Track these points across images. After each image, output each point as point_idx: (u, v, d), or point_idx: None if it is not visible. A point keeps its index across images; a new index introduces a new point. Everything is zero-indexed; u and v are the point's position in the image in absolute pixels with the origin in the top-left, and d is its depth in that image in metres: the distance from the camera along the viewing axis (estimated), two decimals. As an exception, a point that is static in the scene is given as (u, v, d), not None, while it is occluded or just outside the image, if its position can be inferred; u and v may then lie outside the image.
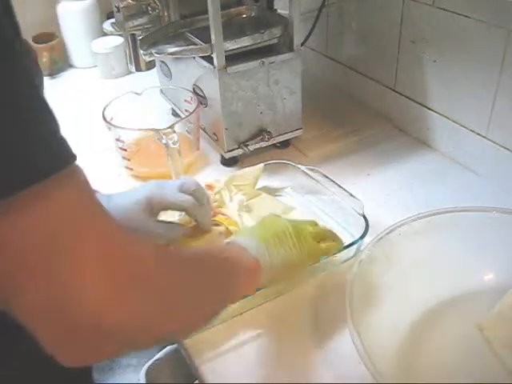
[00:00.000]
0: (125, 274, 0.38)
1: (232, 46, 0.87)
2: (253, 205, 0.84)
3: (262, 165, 0.88)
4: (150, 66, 1.20)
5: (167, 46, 0.92)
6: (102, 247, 0.37)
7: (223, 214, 0.80)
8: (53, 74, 1.40)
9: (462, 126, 0.93)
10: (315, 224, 0.71)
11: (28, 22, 1.39)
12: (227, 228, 0.77)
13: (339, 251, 0.72)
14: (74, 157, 0.36)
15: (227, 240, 0.63)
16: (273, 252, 0.62)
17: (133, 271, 0.39)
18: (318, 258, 0.69)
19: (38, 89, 0.36)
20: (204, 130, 1.02)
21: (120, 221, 0.66)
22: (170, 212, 0.76)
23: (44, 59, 1.36)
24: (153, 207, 0.72)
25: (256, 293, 0.67)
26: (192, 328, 0.52)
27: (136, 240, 0.41)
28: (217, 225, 0.78)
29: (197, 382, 0.70)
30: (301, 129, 1.00)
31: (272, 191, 0.90)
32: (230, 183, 0.85)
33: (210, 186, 0.84)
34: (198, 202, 0.73)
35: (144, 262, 0.41)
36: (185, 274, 0.47)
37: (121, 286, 0.38)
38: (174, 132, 0.88)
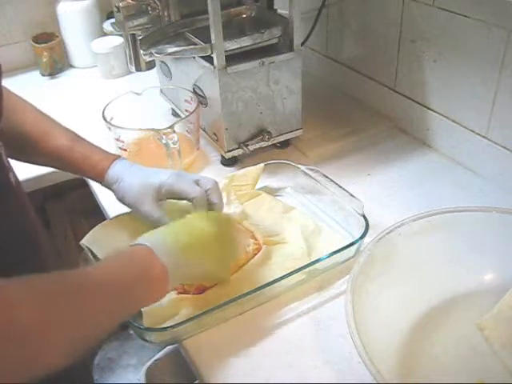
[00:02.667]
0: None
1: (232, 45, 0.87)
2: (251, 207, 0.84)
3: (262, 165, 0.88)
4: (150, 66, 1.20)
5: (167, 46, 0.92)
6: None
7: None
8: (53, 74, 1.40)
9: (462, 126, 0.93)
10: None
11: (28, 22, 1.40)
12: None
13: (338, 251, 0.72)
14: None
15: (137, 241, 0.61)
16: (183, 259, 0.61)
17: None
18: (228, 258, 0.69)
19: None
20: (204, 130, 1.02)
21: (129, 199, 0.71)
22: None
23: (44, 59, 1.36)
24: (162, 191, 0.73)
25: (256, 293, 0.67)
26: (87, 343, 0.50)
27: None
28: None
29: (197, 382, 0.70)
30: (301, 129, 1.00)
31: (272, 191, 0.90)
32: (229, 185, 0.85)
33: None
34: (209, 201, 0.74)
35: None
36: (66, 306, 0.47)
37: None
38: (174, 132, 0.88)
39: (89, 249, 0.74)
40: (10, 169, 0.62)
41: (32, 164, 0.79)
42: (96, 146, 0.79)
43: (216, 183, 0.76)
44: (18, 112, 0.74)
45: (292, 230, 0.79)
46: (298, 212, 0.84)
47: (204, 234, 0.64)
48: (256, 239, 0.78)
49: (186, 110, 1.01)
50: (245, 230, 0.78)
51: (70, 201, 1.17)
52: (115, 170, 0.76)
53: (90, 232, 0.77)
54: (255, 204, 0.85)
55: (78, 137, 0.79)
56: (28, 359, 0.42)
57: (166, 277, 0.58)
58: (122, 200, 0.76)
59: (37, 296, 0.44)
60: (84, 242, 0.75)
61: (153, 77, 1.19)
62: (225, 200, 0.82)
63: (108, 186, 0.77)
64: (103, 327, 0.52)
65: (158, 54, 0.90)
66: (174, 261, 0.59)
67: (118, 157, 0.79)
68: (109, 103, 0.97)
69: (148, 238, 0.61)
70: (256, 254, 0.75)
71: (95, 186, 0.97)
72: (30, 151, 0.75)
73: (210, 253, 0.64)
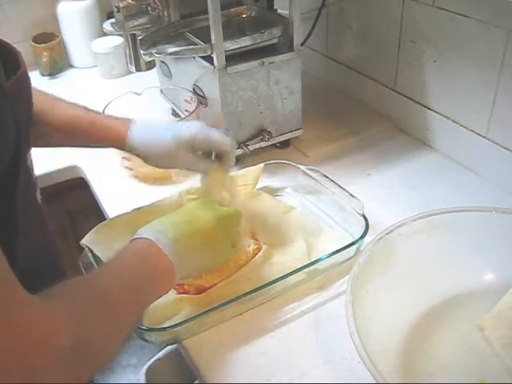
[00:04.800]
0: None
1: (232, 45, 0.87)
2: (251, 207, 0.84)
3: (262, 165, 0.88)
4: (150, 66, 1.20)
5: (167, 45, 0.92)
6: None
7: None
8: (53, 73, 1.40)
9: (462, 125, 0.93)
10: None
11: (28, 22, 1.40)
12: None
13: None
14: None
15: (138, 234, 0.61)
16: (186, 252, 0.62)
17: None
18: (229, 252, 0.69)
19: None
20: (204, 130, 1.02)
21: (154, 151, 0.74)
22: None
23: (44, 59, 1.36)
24: (195, 144, 0.74)
25: (256, 293, 0.67)
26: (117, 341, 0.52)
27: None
28: None
29: (197, 382, 0.70)
30: (301, 129, 1.00)
31: (272, 191, 0.90)
32: (230, 185, 0.85)
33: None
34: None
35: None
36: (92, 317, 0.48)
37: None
38: (174, 132, 0.88)
39: (89, 249, 0.74)
40: (36, 186, 0.62)
41: (43, 145, 0.76)
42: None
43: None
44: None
45: (292, 230, 0.79)
46: (298, 212, 0.84)
47: (206, 225, 0.65)
48: (256, 239, 0.78)
49: (186, 110, 1.01)
50: (245, 230, 0.77)
51: (70, 201, 1.17)
52: (138, 129, 0.75)
53: (90, 232, 0.77)
54: (255, 204, 0.85)
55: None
56: (78, 374, 0.44)
57: (172, 269, 0.59)
58: (152, 158, 0.76)
59: (75, 311, 0.45)
60: (84, 241, 0.75)
61: (153, 77, 1.19)
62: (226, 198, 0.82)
63: (132, 146, 0.75)
64: (133, 321, 0.55)
65: (158, 54, 0.90)
66: (177, 255, 0.60)
67: (131, 120, 0.78)
68: (109, 103, 0.96)
69: (150, 231, 0.61)
70: (256, 254, 0.75)
71: (95, 186, 0.97)
72: (41, 124, 0.73)
73: (211, 245, 0.65)
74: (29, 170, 0.58)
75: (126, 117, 0.78)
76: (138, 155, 0.76)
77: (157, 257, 0.59)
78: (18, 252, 0.52)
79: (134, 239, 0.61)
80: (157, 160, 0.76)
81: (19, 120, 0.51)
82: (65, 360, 0.42)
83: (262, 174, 0.88)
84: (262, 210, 0.84)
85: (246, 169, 0.88)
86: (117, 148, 0.77)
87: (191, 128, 0.75)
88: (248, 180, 0.87)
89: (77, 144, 0.80)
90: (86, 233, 0.77)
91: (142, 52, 0.91)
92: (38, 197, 0.62)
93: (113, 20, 1.01)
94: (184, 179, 0.92)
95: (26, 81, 0.58)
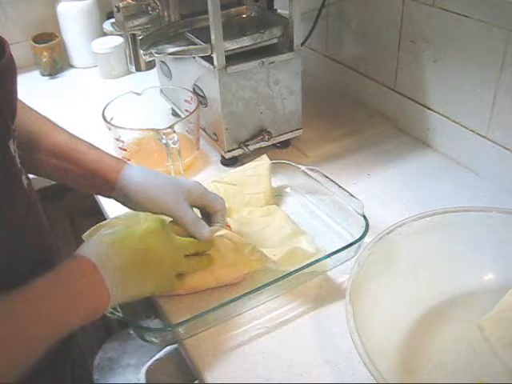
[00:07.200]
0: None
1: (232, 45, 0.87)
2: (259, 224, 0.81)
3: (268, 163, 0.87)
4: (150, 66, 1.20)
5: (167, 45, 0.92)
6: None
7: (227, 226, 0.78)
8: (53, 73, 1.40)
9: (462, 125, 0.93)
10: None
11: (28, 22, 1.40)
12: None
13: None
14: None
15: (79, 251, 0.59)
16: (125, 278, 0.59)
17: None
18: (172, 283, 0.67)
19: None
20: (204, 130, 1.02)
21: (150, 194, 0.69)
22: None
23: (44, 59, 1.36)
24: (191, 196, 0.72)
25: (256, 292, 0.67)
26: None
27: None
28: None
29: (197, 381, 0.70)
30: (301, 129, 1.00)
31: (272, 191, 0.90)
32: (241, 193, 0.84)
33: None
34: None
35: None
36: None
37: None
38: (174, 132, 0.88)
39: None
40: (22, 172, 0.61)
41: (34, 174, 0.73)
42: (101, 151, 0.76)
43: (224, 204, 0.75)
44: (24, 111, 0.72)
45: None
46: (305, 239, 0.78)
47: (154, 255, 0.62)
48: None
49: (186, 110, 1.01)
50: (245, 243, 0.74)
51: (70, 201, 1.17)
52: (132, 172, 0.72)
53: (93, 227, 0.77)
54: (265, 222, 0.82)
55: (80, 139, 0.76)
56: None
57: (105, 296, 0.57)
58: (144, 201, 0.71)
59: None
60: (85, 236, 0.76)
61: (153, 77, 1.19)
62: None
63: (121, 187, 0.72)
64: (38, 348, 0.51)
65: (157, 54, 0.90)
66: (115, 280, 0.58)
67: (125, 161, 0.75)
68: (109, 103, 0.97)
69: (92, 249, 0.59)
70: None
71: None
72: (34, 149, 0.72)
73: (151, 269, 0.63)
74: (13, 158, 0.56)
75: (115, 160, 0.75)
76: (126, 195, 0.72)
77: (92, 281, 0.56)
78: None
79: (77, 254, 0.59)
80: (158, 204, 0.71)
81: (2, 108, 0.50)
82: None
83: (271, 175, 0.86)
84: (269, 229, 0.81)
85: (254, 169, 0.87)
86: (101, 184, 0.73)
87: (188, 182, 0.74)
88: (259, 188, 0.85)
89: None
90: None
91: (142, 52, 0.91)
92: (25, 181, 0.60)
93: (113, 20, 1.01)
94: (184, 178, 0.92)
95: (10, 70, 0.56)
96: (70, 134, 0.75)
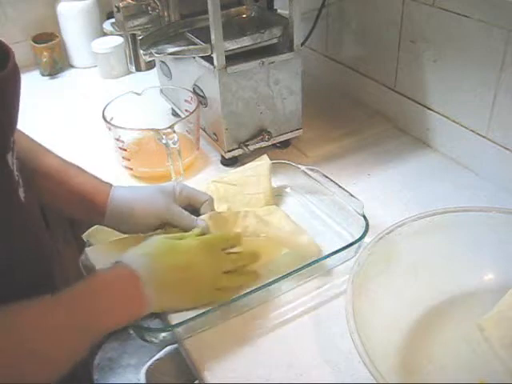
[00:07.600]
0: None
1: (232, 45, 0.87)
2: (259, 225, 0.79)
3: (269, 163, 0.87)
4: (150, 66, 1.20)
5: (167, 45, 0.92)
6: None
7: None
8: (53, 73, 1.40)
9: (462, 125, 0.93)
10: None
11: (28, 22, 1.40)
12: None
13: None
14: None
15: (119, 259, 0.63)
16: (163, 296, 0.63)
17: None
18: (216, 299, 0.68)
19: None
20: (204, 130, 1.02)
21: (142, 205, 0.72)
22: None
23: (44, 59, 1.36)
24: (177, 197, 0.75)
25: (256, 292, 0.67)
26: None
27: None
28: None
29: (197, 381, 0.70)
30: (301, 129, 1.00)
31: (272, 191, 0.90)
32: (240, 194, 0.84)
33: None
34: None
35: None
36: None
37: None
38: (174, 132, 0.88)
39: (89, 243, 0.75)
40: (20, 184, 0.61)
41: None
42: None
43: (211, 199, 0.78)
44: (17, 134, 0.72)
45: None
46: (307, 239, 0.77)
47: (190, 260, 0.66)
48: None
49: (186, 110, 1.01)
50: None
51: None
52: (120, 192, 0.74)
53: (93, 228, 0.77)
54: (264, 223, 0.80)
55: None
56: None
57: (142, 306, 0.61)
58: (139, 214, 0.73)
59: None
60: (85, 236, 0.76)
61: (153, 77, 1.19)
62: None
63: (112, 208, 0.73)
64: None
65: (157, 54, 0.90)
66: (154, 292, 0.61)
67: (111, 184, 0.76)
68: (109, 103, 0.96)
69: (134, 260, 0.62)
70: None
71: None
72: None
73: (189, 287, 0.66)
74: (10, 171, 0.56)
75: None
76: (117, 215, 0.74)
77: (133, 293, 0.60)
78: None
79: (118, 264, 0.62)
80: (151, 213, 0.73)
81: (2, 121, 0.50)
82: None
83: (271, 175, 0.86)
84: (268, 228, 0.79)
85: (254, 169, 0.87)
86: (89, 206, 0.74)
87: (169, 184, 0.77)
88: (259, 189, 0.85)
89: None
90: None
91: (142, 52, 0.91)
92: (21, 194, 0.59)
93: (113, 20, 1.01)
94: (183, 179, 0.92)
95: (12, 81, 0.54)
96: (61, 158, 0.75)
